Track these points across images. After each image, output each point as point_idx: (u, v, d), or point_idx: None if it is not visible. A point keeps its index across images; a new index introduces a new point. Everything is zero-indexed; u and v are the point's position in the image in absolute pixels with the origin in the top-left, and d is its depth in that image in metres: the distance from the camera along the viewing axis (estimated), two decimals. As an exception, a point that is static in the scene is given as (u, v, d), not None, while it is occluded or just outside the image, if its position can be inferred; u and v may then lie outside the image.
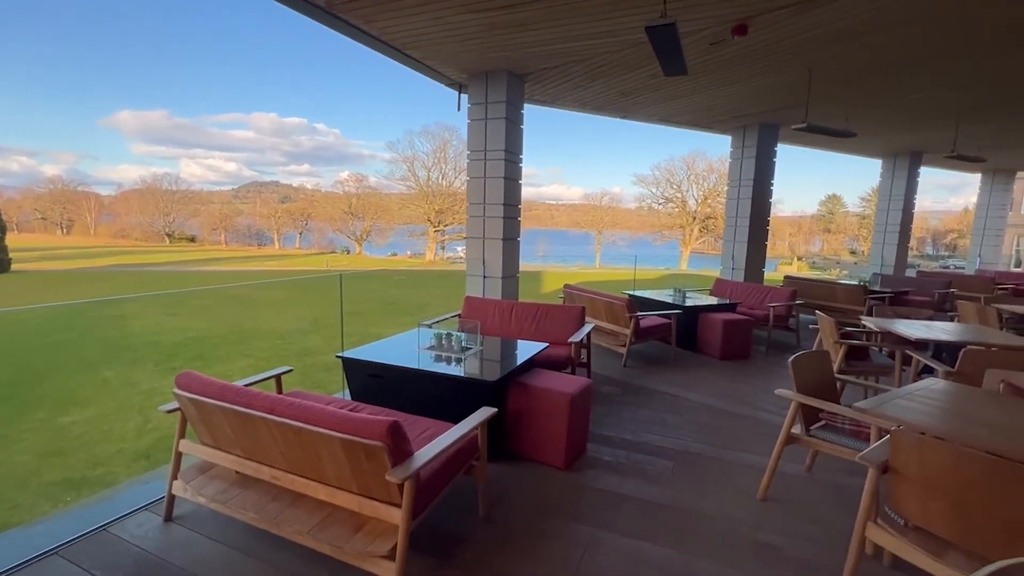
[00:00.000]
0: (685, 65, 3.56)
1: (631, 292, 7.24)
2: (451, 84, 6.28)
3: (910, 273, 12.38)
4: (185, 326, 12.67)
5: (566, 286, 6.65)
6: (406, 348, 3.78)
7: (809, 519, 2.76)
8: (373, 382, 3.47)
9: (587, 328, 4.76)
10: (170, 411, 2.48)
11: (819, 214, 61.01)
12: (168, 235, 51.88)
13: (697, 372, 5.57)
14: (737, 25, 4.32)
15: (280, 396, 2.22)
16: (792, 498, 2.98)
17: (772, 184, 8.73)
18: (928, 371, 3.98)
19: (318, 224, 53.83)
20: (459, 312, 5.31)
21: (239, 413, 2.18)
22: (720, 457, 3.51)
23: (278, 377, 3.12)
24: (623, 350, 5.68)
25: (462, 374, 3.25)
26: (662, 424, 4.06)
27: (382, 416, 2.01)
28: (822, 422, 2.93)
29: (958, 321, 5.81)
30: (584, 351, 4.90)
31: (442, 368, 3.35)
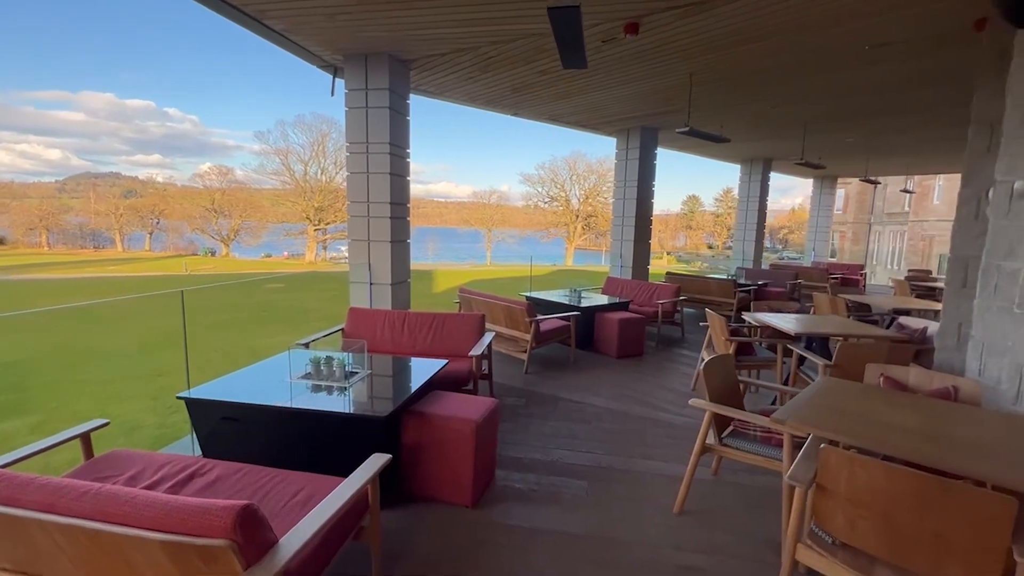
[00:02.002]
0: (585, 57, 3.35)
1: (528, 294, 7.07)
2: (325, 66, 5.54)
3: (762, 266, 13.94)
4: (-16, 351, 10.08)
5: (461, 290, 6.26)
6: (273, 379, 3.11)
7: (725, 529, 2.69)
8: (229, 428, 2.78)
9: (488, 338, 4.41)
10: None
11: (682, 212, 67.57)
12: (-37, 237, 41.89)
13: (597, 373, 5.52)
14: (629, 23, 4.25)
15: (67, 481, 1.53)
16: (705, 507, 2.91)
17: (654, 185, 9.15)
18: (802, 360, 4.26)
19: (173, 223, 47.11)
20: (342, 326, 4.66)
21: (-4, 515, 1.47)
22: (630, 468, 3.37)
23: (85, 436, 2.32)
24: (524, 356, 5.45)
25: (346, 409, 2.71)
26: (570, 436, 3.85)
27: (223, 500, 1.45)
28: (731, 427, 2.89)
29: (814, 312, 6.46)
30: (486, 362, 4.56)
31: (320, 403, 2.77)
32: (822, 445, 1.84)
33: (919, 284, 9.26)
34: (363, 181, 5.29)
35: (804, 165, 8.47)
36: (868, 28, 4.34)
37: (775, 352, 4.57)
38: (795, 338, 4.31)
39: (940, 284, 9.73)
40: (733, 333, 4.43)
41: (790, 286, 10.36)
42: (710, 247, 63.90)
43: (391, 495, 2.84)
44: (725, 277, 10.21)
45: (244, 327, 13.27)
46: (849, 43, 4.69)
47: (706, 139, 5.99)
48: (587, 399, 4.68)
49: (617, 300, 6.96)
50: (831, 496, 1.84)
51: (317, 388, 2.99)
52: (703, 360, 4.94)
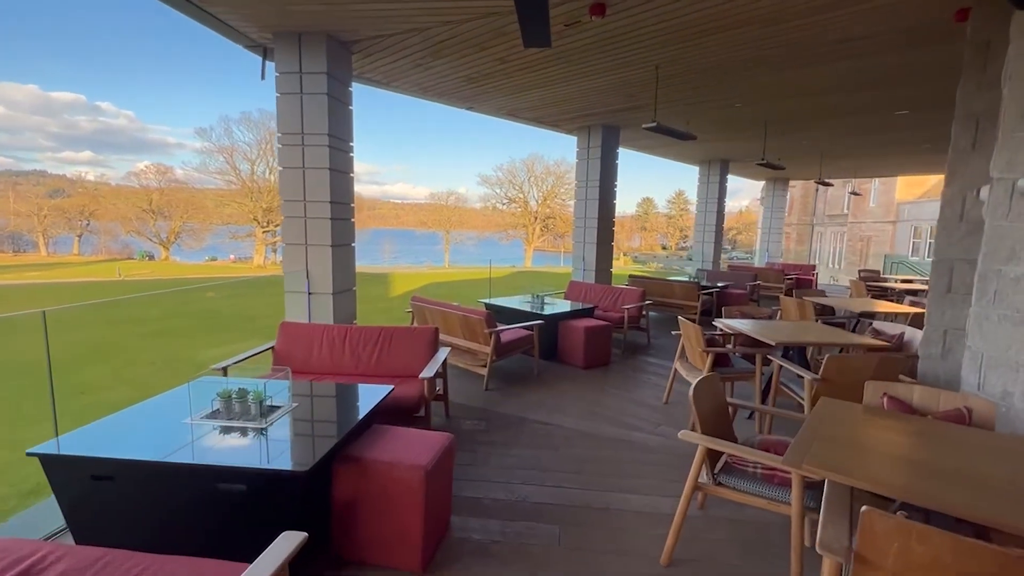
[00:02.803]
0: (549, 33, 2.91)
1: (487, 301, 6.58)
2: (253, 46, 4.87)
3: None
4: None
5: (414, 298, 5.71)
6: (169, 420, 2.49)
7: (722, 585, 2.30)
8: (102, 491, 2.15)
9: (442, 355, 3.90)
10: None
11: (636, 214, 68.89)
12: None
13: (564, 388, 5.10)
14: (595, 3, 3.85)
15: None
16: (697, 554, 2.51)
17: (616, 185, 8.87)
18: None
19: (105, 224, 43.64)
20: (272, 344, 4.02)
21: None
22: (608, 505, 2.95)
23: None
24: (483, 371, 4.96)
25: (258, 462, 2.13)
26: (537, 467, 3.39)
27: None
28: (723, 460, 2.50)
29: (781, 316, 6.29)
30: (440, 381, 4.05)
31: (225, 454, 2.19)
32: (864, 508, 1.45)
33: (874, 285, 9.41)
34: (298, 177, 4.66)
35: (765, 166, 8.39)
36: (839, 20, 4.11)
37: (752, 362, 4.28)
38: (773, 347, 4.03)
39: (891, 284, 9.93)
40: (709, 343, 4.10)
41: (750, 287, 10.34)
42: (664, 248, 65.47)
43: (318, 562, 2.29)
44: (687, 279, 10.08)
45: (185, 336, 12.28)
46: (818, 37, 4.47)
47: (672, 136, 5.70)
48: (554, 419, 4.24)
49: (582, 306, 6.59)
50: (875, 570, 1.46)
51: (226, 431, 2.39)
52: (676, 371, 4.62)
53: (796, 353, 4.33)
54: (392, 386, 3.06)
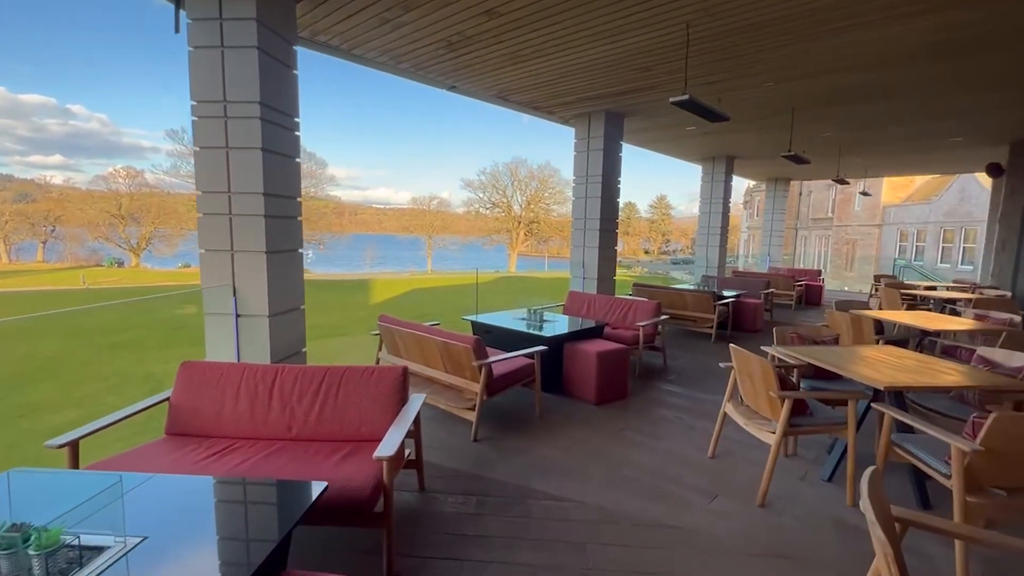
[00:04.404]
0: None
1: (473, 318, 5.41)
2: (161, -12, 3.66)
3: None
4: None
5: (381, 319, 4.51)
6: None
7: None
8: None
9: (414, 407, 2.72)
10: None
11: (620, 219, 68.36)
12: None
13: (575, 435, 3.95)
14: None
15: None
16: None
17: (620, 182, 7.79)
18: (905, 428, 2.89)
19: (72, 230, 41.47)
20: (168, 395, 2.79)
21: None
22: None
23: None
24: (471, 415, 3.78)
25: None
26: (556, 585, 2.22)
27: None
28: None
29: (839, 338, 5.22)
30: (411, 440, 2.87)
31: None
32: None
33: (908, 294, 8.44)
34: (220, 160, 3.44)
35: (791, 158, 7.39)
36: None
37: (833, 407, 3.20)
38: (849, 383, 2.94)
39: (919, 292, 8.98)
40: (784, 384, 2.99)
41: (763, 296, 9.33)
42: (646, 252, 65.16)
43: None
44: (696, 287, 9.02)
45: (146, 348, 10.99)
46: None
47: (704, 115, 4.62)
48: (571, 491, 3.07)
49: (583, 324, 5.45)
50: None
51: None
52: (725, 416, 3.51)
53: (892, 396, 3.25)
54: (325, 483, 1.86)
